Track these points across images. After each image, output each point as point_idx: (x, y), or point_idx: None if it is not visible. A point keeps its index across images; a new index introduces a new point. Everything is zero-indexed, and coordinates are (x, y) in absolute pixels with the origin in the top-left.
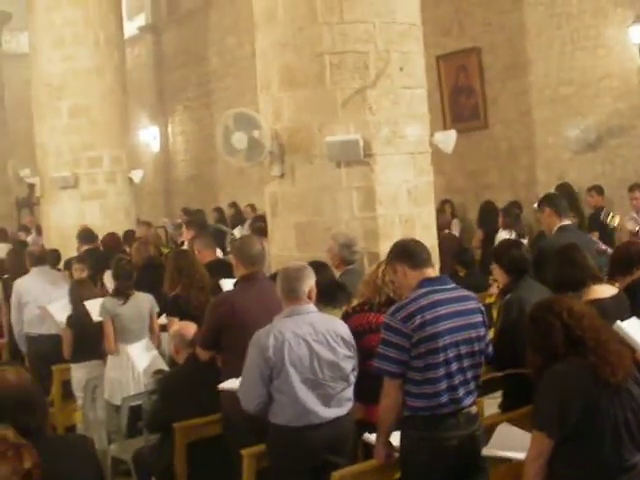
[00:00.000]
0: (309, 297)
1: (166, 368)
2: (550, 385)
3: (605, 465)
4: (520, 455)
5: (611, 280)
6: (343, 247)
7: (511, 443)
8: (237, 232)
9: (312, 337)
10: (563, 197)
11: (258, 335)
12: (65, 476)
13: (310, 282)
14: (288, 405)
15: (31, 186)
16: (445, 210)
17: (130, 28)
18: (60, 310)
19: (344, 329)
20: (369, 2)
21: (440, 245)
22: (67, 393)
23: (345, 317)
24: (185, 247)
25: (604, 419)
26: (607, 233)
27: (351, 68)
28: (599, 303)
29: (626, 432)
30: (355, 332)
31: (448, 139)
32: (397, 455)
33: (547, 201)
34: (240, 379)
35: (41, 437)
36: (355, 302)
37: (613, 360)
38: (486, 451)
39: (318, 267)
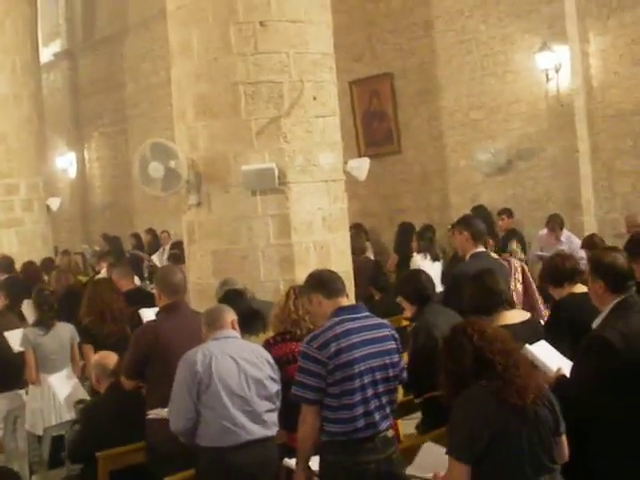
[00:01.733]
0: (233, 327)
1: (87, 397)
2: (458, 411)
3: None
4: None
5: (543, 285)
6: (223, 286)
7: (435, 463)
8: (155, 258)
9: (238, 355)
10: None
11: (187, 354)
12: None
13: (232, 315)
14: (216, 421)
15: None
16: (360, 235)
17: (46, 54)
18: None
19: (267, 354)
20: (283, 33)
21: (356, 269)
22: None
23: (267, 346)
24: (102, 275)
25: (511, 442)
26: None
27: (265, 98)
28: (510, 328)
29: (531, 454)
30: (278, 362)
31: (361, 166)
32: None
33: (464, 224)
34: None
35: None
36: (272, 332)
37: (520, 383)
38: (410, 470)
39: (235, 295)
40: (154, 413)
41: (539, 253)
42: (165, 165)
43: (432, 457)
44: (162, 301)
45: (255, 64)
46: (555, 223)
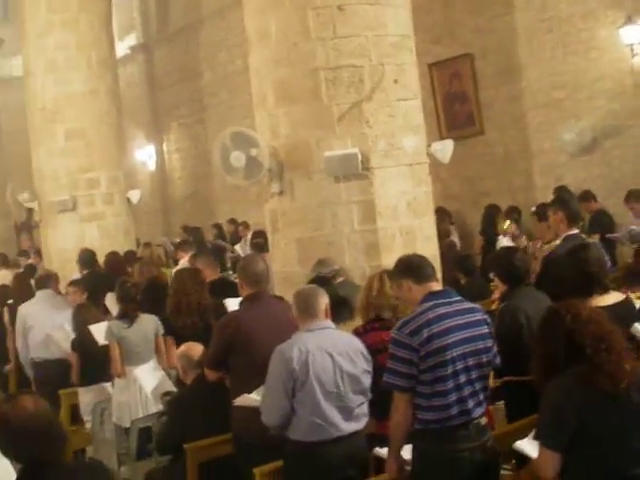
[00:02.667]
0: (325, 315)
1: (174, 389)
2: (547, 397)
3: (608, 476)
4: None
5: None
6: (317, 268)
7: None
8: (238, 248)
9: (334, 350)
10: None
11: (281, 349)
12: None
13: (324, 299)
14: (309, 418)
15: (30, 210)
16: (444, 219)
17: (122, 48)
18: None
19: (362, 346)
20: (361, 16)
21: (440, 253)
22: (75, 417)
23: (358, 335)
24: (182, 265)
25: (601, 430)
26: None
27: (346, 82)
28: (605, 310)
29: (624, 442)
30: (369, 350)
31: (445, 148)
32: (408, 469)
33: (560, 204)
34: (254, 393)
35: (57, 467)
36: (359, 320)
37: (611, 368)
38: (520, 444)
39: (321, 282)
40: (240, 400)
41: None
42: (246, 154)
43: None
44: (245, 291)
45: (335, 49)
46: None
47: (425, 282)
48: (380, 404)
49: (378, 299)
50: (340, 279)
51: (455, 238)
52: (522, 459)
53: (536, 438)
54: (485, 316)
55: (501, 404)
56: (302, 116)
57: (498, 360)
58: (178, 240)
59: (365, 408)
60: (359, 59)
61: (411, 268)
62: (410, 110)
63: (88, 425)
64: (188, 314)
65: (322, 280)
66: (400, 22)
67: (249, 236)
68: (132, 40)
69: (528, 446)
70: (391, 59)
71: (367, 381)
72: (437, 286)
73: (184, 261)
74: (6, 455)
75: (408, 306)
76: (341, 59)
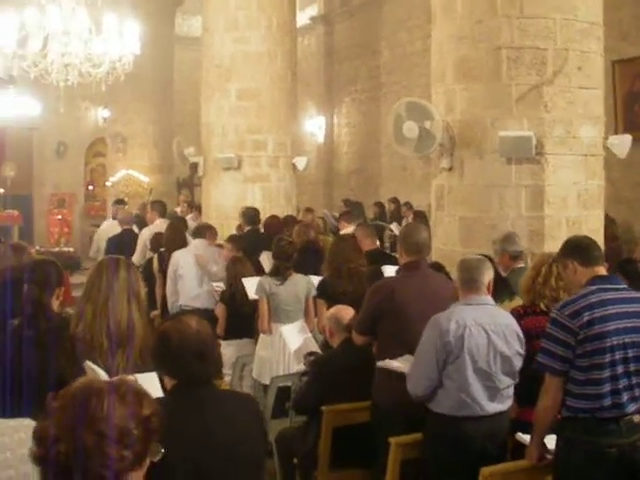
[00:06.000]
0: (487, 289)
1: (318, 351)
2: None
3: None
4: None
5: None
6: (503, 242)
7: None
8: (394, 227)
9: (490, 327)
10: None
11: (438, 319)
12: (240, 430)
13: (490, 274)
14: (455, 393)
15: (193, 167)
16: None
17: (302, 18)
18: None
19: (518, 327)
20: None
21: (606, 255)
22: None
23: (517, 317)
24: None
25: None
26: None
27: (528, 64)
28: None
29: None
30: (528, 333)
31: (623, 143)
32: (550, 457)
33: None
34: (398, 360)
35: (209, 388)
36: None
37: None
38: None
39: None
40: (383, 363)
41: None
42: (420, 125)
43: None
44: (403, 259)
45: (520, 28)
46: None
47: (592, 265)
48: (524, 389)
49: (542, 288)
50: (520, 264)
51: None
52: None
53: None
54: None
55: None
56: (480, 94)
57: None
58: (337, 214)
59: (511, 391)
60: (544, 41)
61: (579, 249)
62: (591, 100)
63: (227, 379)
64: (348, 279)
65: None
66: (591, 8)
67: (410, 217)
68: (313, 11)
69: None
70: (577, 45)
71: (518, 364)
72: (603, 271)
73: (347, 231)
74: (158, 369)
75: (571, 289)
76: (525, 39)
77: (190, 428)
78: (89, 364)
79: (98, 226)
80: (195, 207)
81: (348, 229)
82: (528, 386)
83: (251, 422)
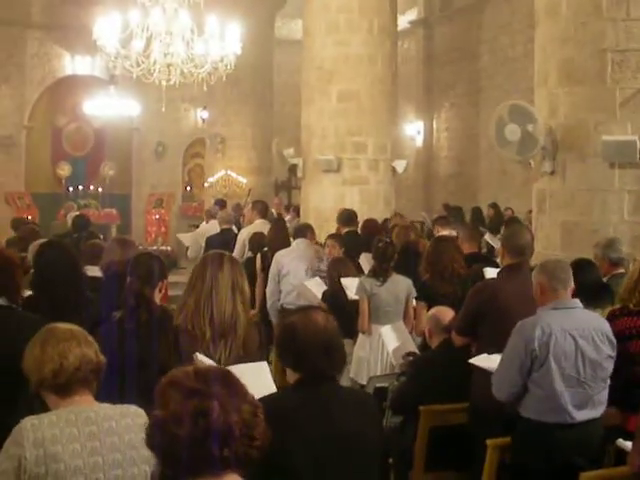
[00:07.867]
0: (572, 293)
1: (417, 351)
2: None
3: None
4: None
5: None
6: (605, 248)
7: None
8: (488, 238)
9: (578, 333)
10: None
11: (523, 325)
12: (360, 428)
13: (572, 277)
14: (543, 400)
15: (292, 169)
16: None
17: (401, 22)
18: (316, 285)
19: (609, 328)
20: None
21: None
22: None
23: (610, 318)
24: None
25: None
26: None
27: (633, 67)
28: None
29: None
30: (619, 335)
31: None
32: None
33: None
34: (490, 358)
35: (333, 384)
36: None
37: None
38: None
39: (585, 264)
40: (478, 359)
41: None
42: (522, 128)
43: None
44: (505, 260)
45: (625, 31)
46: None
47: None
48: (628, 395)
49: (635, 288)
50: (620, 270)
51: None
52: None
53: None
54: None
55: None
56: (583, 97)
57: None
58: (436, 216)
59: (604, 396)
60: None
61: None
62: None
63: None
64: (450, 282)
65: (586, 262)
66: None
67: None
68: (413, 15)
69: None
70: None
71: (609, 367)
72: None
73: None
74: (283, 362)
75: None
76: (631, 42)
77: (313, 424)
78: (199, 356)
79: (197, 226)
80: (293, 209)
81: (442, 233)
82: (634, 391)
83: (370, 421)
